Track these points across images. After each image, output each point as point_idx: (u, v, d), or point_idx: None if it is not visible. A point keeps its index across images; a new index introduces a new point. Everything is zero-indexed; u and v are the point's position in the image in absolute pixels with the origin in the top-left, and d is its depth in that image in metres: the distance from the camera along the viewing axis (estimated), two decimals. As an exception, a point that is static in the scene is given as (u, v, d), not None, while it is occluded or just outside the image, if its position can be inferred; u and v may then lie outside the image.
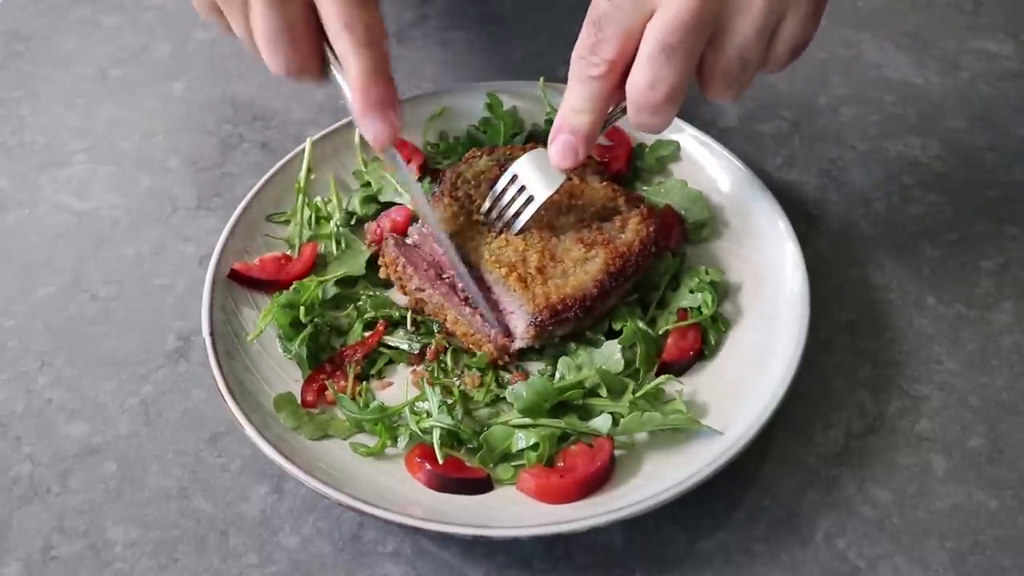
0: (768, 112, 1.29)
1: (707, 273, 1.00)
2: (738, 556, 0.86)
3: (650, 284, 1.02)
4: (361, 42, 0.85)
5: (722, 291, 1.01)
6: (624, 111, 0.86)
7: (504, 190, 0.98)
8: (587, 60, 0.82)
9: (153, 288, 1.08)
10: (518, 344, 0.96)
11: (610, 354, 0.95)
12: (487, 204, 1.00)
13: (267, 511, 0.89)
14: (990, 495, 0.90)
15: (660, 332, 0.97)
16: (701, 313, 0.97)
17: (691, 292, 0.99)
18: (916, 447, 0.94)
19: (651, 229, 1.01)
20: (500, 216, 0.99)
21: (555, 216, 1.01)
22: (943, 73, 1.35)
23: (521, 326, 0.95)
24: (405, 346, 0.97)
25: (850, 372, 1.00)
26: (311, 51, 0.87)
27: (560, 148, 0.88)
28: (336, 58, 0.87)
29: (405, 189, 1.06)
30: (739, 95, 0.85)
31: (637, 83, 0.80)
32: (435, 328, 0.99)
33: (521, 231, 0.99)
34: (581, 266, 0.97)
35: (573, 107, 0.85)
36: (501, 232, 0.99)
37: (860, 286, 1.08)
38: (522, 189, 0.97)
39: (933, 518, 0.89)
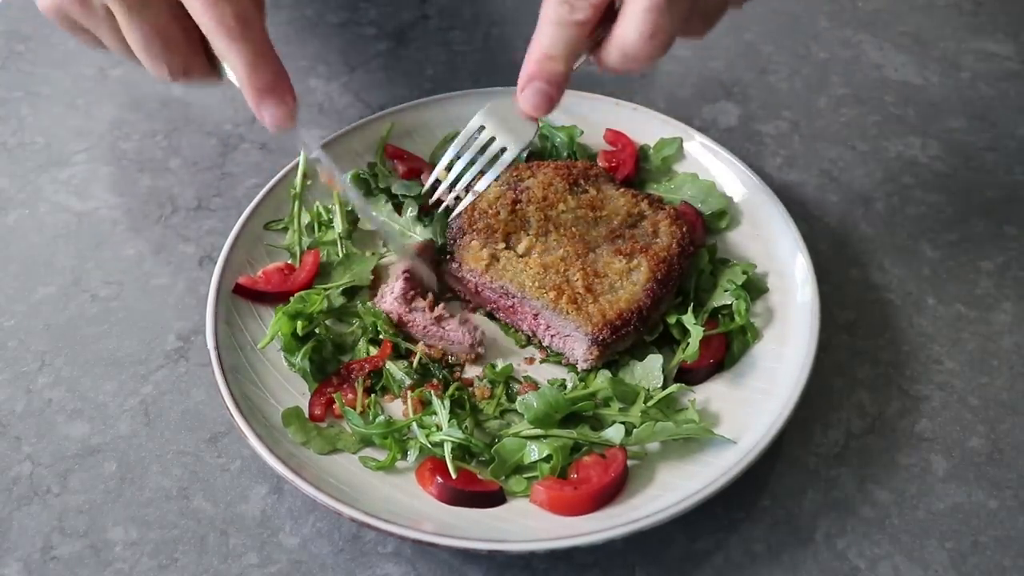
0: (768, 112, 1.29)
1: (743, 272, 0.98)
2: (738, 556, 0.86)
3: (684, 284, 1.01)
4: (236, 35, 0.83)
5: (754, 291, 1.00)
6: (588, 57, 0.81)
7: (468, 143, 0.91)
8: (571, 4, 0.77)
9: (153, 288, 1.08)
10: (583, 366, 0.95)
11: (651, 369, 0.94)
12: (447, 159, 0.92)
13: (267, 511, 0.89)
14: (990, 495, 0.90)
15: (700, 337, 0.95)
16: (733, 320, 0.96)
17: (725, 291, 0.98)
18: (916, 447, 0.94)
19: (684, 229, 1.00)
20: (459, 177, 0.93)
21: (585, 230, 1.00)
22: (943, 73, 1.35)
23: (581, 348, 0.94)
24: (399, 376, 0.95)
25: (850, 372, 1.00)
26: (191, 51, 0.86)
27: (534, 97, 0.82)
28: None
29: (346, 198, 1.03)
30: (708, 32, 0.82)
31: (631, 34, 0.75)
32: (435, 370, 0.96)
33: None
34: (627, 277, 0.96)
35: (549, 53, 0.79)
36: (459, 197, 0.95)
37: (860, 286, 1.08)
38: (490, 141, 0.90)
39: (933, 518, 0.89)
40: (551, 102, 0.82)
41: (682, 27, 0.77)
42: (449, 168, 0.95)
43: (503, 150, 0.90)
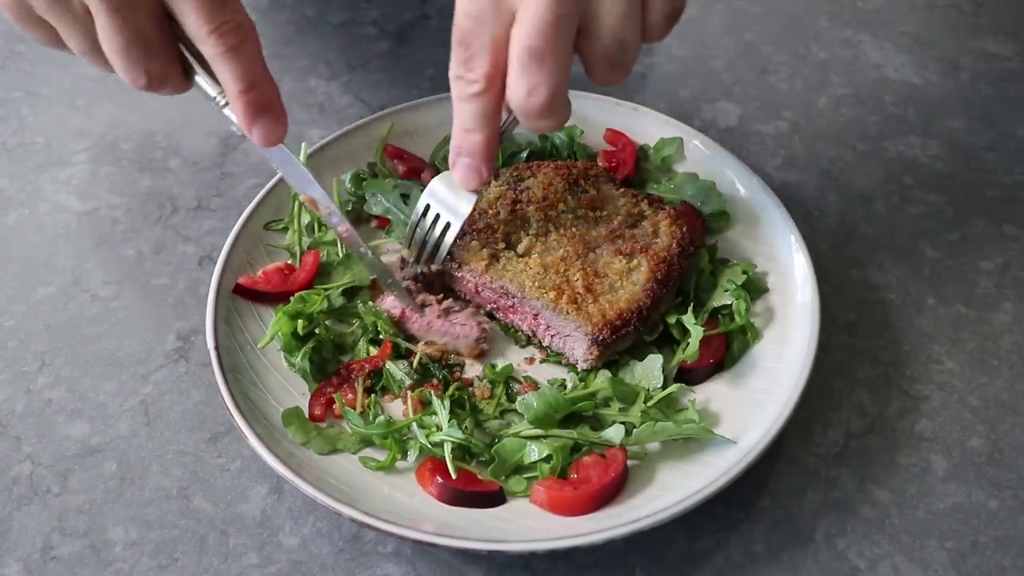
0: (768, 112, 1.29)
1: (743, 272, 0.98)
2: (738, 556, 0.86)
3: (684, 284, 1.01)
4: (232, 46, 0.81)
5: (754, 291, 1.00)
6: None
7: (419, 222, 0.95)
8: (464, 79, 0.80)
9: (153, 288, 1.08)
10: (583, 366, 0.95)
11: (651, 369, 0.94)
12: (407, 239, 0.97)
13: (267, 511, 0.89)
14: (990, 495, 0.90)
15: (700, 337, 0.94)
16: (733, 320, 0.96)
17: (725, 291, 0.98)
18: (916, 447, 0.94)
19: (684, 229, 1.00)
20: (423, 250, 0.97)
21: (585, 230, 1.00)
22: (943, 73, 1.35)
23: (581, 348, 0.94)
24: (400, 376, 0.95)
25: (850, 372, 1.00)
26: (169, 59, 0.84)
27: (462, 171, 0.87)
28: (198, 62, 0.85)
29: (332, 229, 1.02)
30: (627, 74, 0.82)
31: (515, 93, 0.78)
32: (435, 370, 0.96)
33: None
34: (627, 277, 0.96)
35: (463, 128, 0.83)
36: (426, 266, 0.98)
37: (860, 286, 1.08)
38: (438, 217, 0.94)
39: (933, 518, 0.89)
40: (479, 174, 0.86)
41: (565, 77, 0.78)
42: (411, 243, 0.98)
43: (448, 225, 0.94)
